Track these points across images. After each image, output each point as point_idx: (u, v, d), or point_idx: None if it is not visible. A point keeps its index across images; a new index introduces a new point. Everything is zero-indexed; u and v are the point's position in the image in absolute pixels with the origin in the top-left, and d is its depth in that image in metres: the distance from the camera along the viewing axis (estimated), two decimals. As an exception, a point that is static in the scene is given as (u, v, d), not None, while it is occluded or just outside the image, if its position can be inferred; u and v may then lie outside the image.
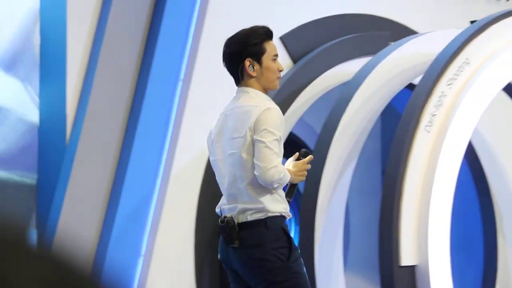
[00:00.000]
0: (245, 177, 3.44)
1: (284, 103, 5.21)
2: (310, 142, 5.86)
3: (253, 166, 3.41)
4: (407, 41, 5.17)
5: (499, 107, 5.76)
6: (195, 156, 5.10)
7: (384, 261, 4.57)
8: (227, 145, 3.51)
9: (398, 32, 5.51)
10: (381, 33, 5.48)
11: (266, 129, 3.39)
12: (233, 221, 3.45)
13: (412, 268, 4.54)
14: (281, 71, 3.60)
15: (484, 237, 6.13)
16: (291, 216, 3.56)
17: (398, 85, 5.13)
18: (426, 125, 4.57)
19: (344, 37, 5.38)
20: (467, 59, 4.70)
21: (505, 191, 6.12)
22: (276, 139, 3.39)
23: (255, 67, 3.54)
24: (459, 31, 4.87)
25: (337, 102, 5.04)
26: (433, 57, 4.78)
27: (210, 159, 3.63)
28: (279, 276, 3.42)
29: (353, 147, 4.96)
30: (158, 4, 5.13)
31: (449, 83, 4.65)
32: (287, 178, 3.42)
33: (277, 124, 3.42)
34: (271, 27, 5.29)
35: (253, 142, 3.41)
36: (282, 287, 3.43)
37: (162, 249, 4.98)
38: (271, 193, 3.44)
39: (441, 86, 4.63)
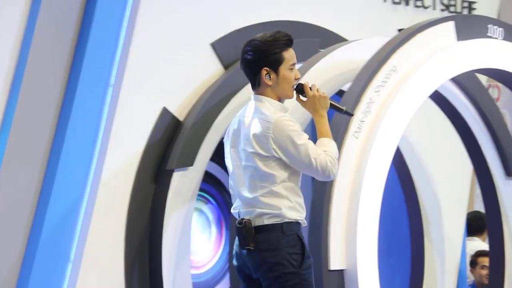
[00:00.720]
0: (266, 187, 3.53)
1: (215, 109, 5.22)
2: (241, 148, 5.88)
3: (273, 177, 3.51)
4: (336, 48, 5.23)
5: (426, 114, 5.86)
6: (125, 162, 5.07)
7: (313, 265, 4.61)
8: (243, 155, 3.60)
9: (328, 39, 5.57)
10: (311, 40, 5.53)
11: (287, 143, 3.47)
12: (251, 223, 3.53)
13: (340, 272, 4.59)
14: (298, 79, 3.63)
15: (411, 241, 6.23)
16: (306, 224, 3.63)
17: (328, 91, 5.17)
18: (355, 131, 4.63)
19: (275, 44, 5.40)
20: (394, 66, 4.78)
21: (431, 196, 6.24)
22: (298, 142, 3.46)
23: (271, 76, 3.58)
24: (387, 39, 4.95)
25: (268, 108, 5.06)
26: (362, 64, 4.84)
27: (226, 159, 3.71)
28: (290, 281, 3.50)
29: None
30: (88, 8, 5.09)
31: (377, 90, 4.72)
32: (330, 144, 3.53)
33: (288, 130, 3.48)
34: (202, 33, 5.35)
35: (277, 157, 3.50)
36: None
37: (91, 255, 4.93)
38: (290, 201, 3.53)
39: (369, 93, 4.70)
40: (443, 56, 4.91)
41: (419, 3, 6.23)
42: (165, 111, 5.17)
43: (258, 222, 3.54)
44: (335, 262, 4.57)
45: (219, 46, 5.34)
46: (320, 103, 3.60)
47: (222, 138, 5.37)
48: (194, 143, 5.16)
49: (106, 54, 5.08)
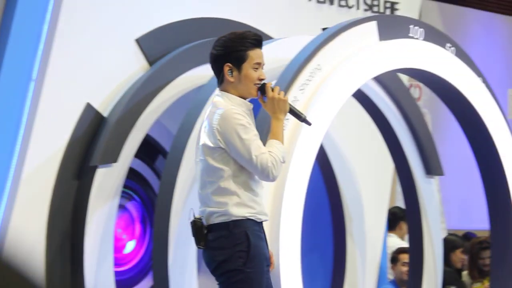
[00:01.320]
0: (213, 183, 3.54)
1: (140, 105, 5.19)
2: (166, 144, 5.86)
3: (220, 171, 3.52)
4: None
5: (350, 112, 5.94)
6: (47, 158, 5.00)
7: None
8: (197, 150, 3.62)
9: (253, 37, 5.58)
10: (236, 38, 5.54)
11: (230, 136, 3.48)
12: (201, 222, 3.56)
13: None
14: (262, 79, 3.62)
15: (333, 238, 6.29)
16: (264, 219, 3.61)
17: (252, 89, 5.20)
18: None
19: (200, 41, 5.41)
20: (318, 65, 4.83)
21: (354, 193, 6.32)
22: (243, 136, 3.47)
23: (234, 73, 3.59)
24: (312, 37, 4.99)
25: (193, 104, 5.06)
26: (287, 62, 4.87)
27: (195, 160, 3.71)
28: (233, 278, 3.52)
29: (208, 149, 4.99)
30: (9, 2, 5.01)
31: (301, 88, 4.76)
32: (278, 146, 3.52)
33: (234, 123, 3.48)
34: (127, 29, 5.32)
35: (222, 149, 3.51)
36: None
37: (11, 252, 4.85)
38: (238, 197, 3.53)
39: (294, 91, 4.73)
40: (365, 56, 4.98)
41: (343, 3, 6.29)
42: (88, 107, 5.11)
43: (209, 221, 3.57)
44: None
45: (144, 42, 5.31)
46: (279, 105, 3.61)
47: (147, 135, 5.38)
48: (119, 139, 5.12)
49: (28, 48, 5.01)
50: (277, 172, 3.52)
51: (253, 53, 3.59)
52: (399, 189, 7.65)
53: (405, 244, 7.35)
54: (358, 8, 6.36)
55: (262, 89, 3.63)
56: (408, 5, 6.59)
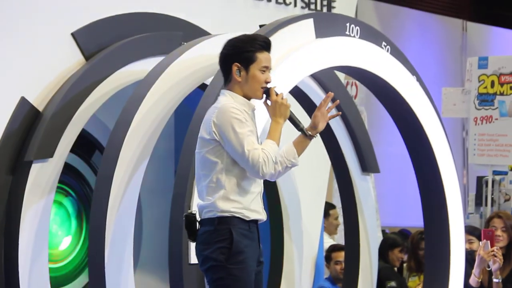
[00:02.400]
0: (206, 176, 3.61)
1: (76, 99, 5.14)
2: (103, 140, 5.82)
3: (213, 165, 3.59)
4: (199, 42, 5.25)
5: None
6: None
7: (173, 259, 4.63)
8: (197, 143, 3.69)
9: (191, 32, 5.58)
10: (174, 33, 5.53)
11: (226, 129, 3.54)
12: (194, 217, 3.65)
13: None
14: (268, 82, 3.68)
15: (271, 235, 6.32)
16: (254, 217, 3.65)
17: (190, 85, 5.20)
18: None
19: (138, 36, 5.38)
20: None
21: (291, 190, 6.35)
22: (238, 130, 3.53)
23: (241, 73, 3.66)
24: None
25: (130, 100, 5.04)
26: (224, 58, 4.87)
27: None
28: (216, 274, 3.59)
29: (146, 145, 4.98)
30: None
31: (239, 84, 4.76)
32: (272, 146, 3.57)
33: (231, 116, 3.55)
34: (62, 22, 5.26)
35: (217, 142, 3.58)
36: (217, 285, 3.60)
37: None
38: (226, 191, 3.59)
39: (231, 88, 4.73)
40: (302, 53, 5.01)
41: (280, 0, 6.33)
42: (23, 101, 5.05)
43: (200, 216, 3.66)
44: (195, 256, 4.58)
45: (80, 36, 5.26)
46: (280, 110, 3.68)
47: (83, 130, 5.33)
48: (54, 134, 5.06)
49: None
50: (267, 170, 3.56)
51: (261, 56, 3.68)
52: (335, 186, 7.74)
53: (332, 241, 7.43)
54: (295, 6, 6.40)
55: (267, 92, 3.70)
56: (345, 4, 6.66)
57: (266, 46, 3.71)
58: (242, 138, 3.55)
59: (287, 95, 5.17)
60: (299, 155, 3.71)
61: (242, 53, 3.68)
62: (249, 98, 3.71)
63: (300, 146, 3.74)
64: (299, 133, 3.77)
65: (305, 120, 5.99)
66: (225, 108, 3.59)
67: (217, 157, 3.61)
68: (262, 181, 3.75)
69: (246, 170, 3.61)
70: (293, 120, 3.79)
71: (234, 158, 3.60)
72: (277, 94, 3.71)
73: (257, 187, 3.71)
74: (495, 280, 5.46)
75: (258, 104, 3.80)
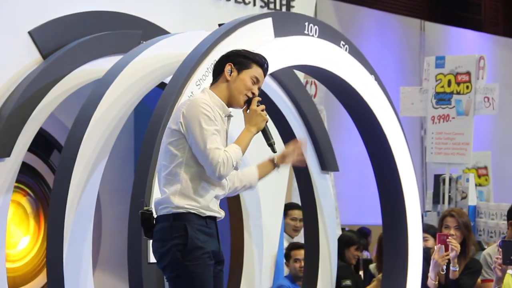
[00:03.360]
0: (165, 167, 3.61)
1: (34, 98, 5.10)
2: (61, 138, 5.79)
3: (173, 157, 3.58)
4: (158, 41, 5.24)
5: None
6: None
7: (133, 258, 4.61)
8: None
9: (150, 31, 5.57)
10: (132, 32, 5.51)
11: (193, 122, 3.54)
12: (150, 214, 3.64)
13: (159, 264, 4.61)
14: (252, 93, 3.71)
15: (231, 234, 6.33)
16: (211, 214, 3.64)
17: (149, 84, 5.20)
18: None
19: (96, 35, 5.36)
20: (215, 60, 4.81)
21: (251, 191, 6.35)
22: (203, 126, 3.53)
23: (232, 74, 3.71)
24: (208, 33, 5.01)
25: (88, 99, 5.01)
26: (183, 57, 4.87)
27: None
28: (174, 272, 3.58)
29: (105, 144, 4.96)
30: None
31: (198, 83, 4.76)
32: (236, 150, 3.58)
33: (199, 111, 3.55)
34: (19, 20, 5.21)
35: (181, 134, 3.58)
36: (175, 282, 3.59)
37: None
38: (182, 187, 3.58)
39: (191, 86, 4.73)
40: (261, 52, 4.95)
41: (240, -1, 6.35)
42: (-20, 100, 5.01)
43: (157, 213, 3.65)
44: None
45: (37, 35, 5.22)
46: (256, 120, 3.71)
47: (41, 129, 5.29)
48: (11, 133, 5.02)
49: None
50: (224, 171, 3.56)
51: (256, 68, 3.77)
52: (295, 184, 7.76)
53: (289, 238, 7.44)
54: (254, 5, 6.42)
55: (249, 101, 3.74)
56: (304, 3, 6.69)
57: (264, 66, 3.80)
58: (207, 135, 3.55)
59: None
60: (259, 179, 3.79)
61: (240, 57, 3.76)
62: (229, 103, 3.74)
63: (263, 170, 3.82)
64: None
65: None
66: (196, 102, 3.60)
67: (179, 150, 3.61)
68: (226, 188, 3.74)
69: (205, 168, 3.60)
70: (266, 133, 3.82)
71: (195, 153, 3.60)
72: (258, 106, 3.75)
73: (219, 191, 3.70)
74: (452, 268, 5.51)
75: (238, 114, 3.82)
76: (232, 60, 3.75)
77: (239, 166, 3.67)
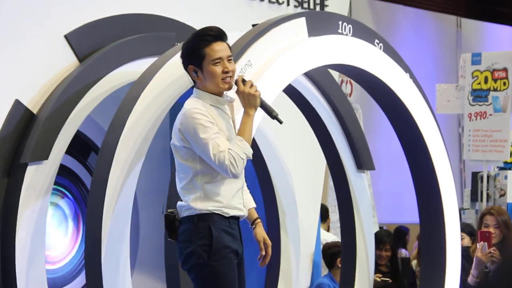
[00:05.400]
0: (182, 178, 3.67)
1: (71, 101, 5.15)
2: (98, 140, 5.83)
3: (188, 169, 3.63)
4: (192, 42, 5.25)
5: (281, 107, 5.97)
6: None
7: (170, 261, 4.64)
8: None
9: (184, 33, 5.56)
10: (167, 34, 5.54)
11: (191, 135, 3.58)
12: (174, 216, 3.67)
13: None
14: (227, 72, 3.66)
15: (267, 232, 6.31)
16: (234, 214, 3.67)
17: (184, 85, 5.19)
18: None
19: (131, 37, 5.39)
20: (249, 61, 4.86)
21: (287, 188, 6.37)
22: (201, 136, 3.55)
23: (198, 74, 3.68)
24: (242, 33, 5.02)
25: (124, 101, 5.05)
26: (218, 58, 4.88)
27: None
28: (200, 272, 3.61)
29: (141, 145, 4.99)
30: None
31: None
32: (239, 143, 3.57)
33: (193, 123, 3.57)
34: (55, 24, 5.26)
35: (188, 147, 3.62)
36: (201, 283, 3.62)
37: None
38: (203, 192, 3.62)
39: (226, 87, 4.74)
40: (295, 52, 5.01)
41: (273, -1, 6.35)
42: (17, 104, 5.06)
43: (180, 215, 3.68)
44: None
45: (73, 38, 5.27)
46: (249, 100, 3.67)
47: (78, 131, 5.34)
48: (49, 136, 5.07)
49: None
50: (236, 169, 3.57)
51: (209, 50, 3.66)
52: (331, 183, 7.75)
53: (332, 236, 7.44)
54: (288, 5, 6.41)
55: (236, 83, 3.71)
56: (338, 2, 6.67)
57: (213, 38, 3.68)
58: (207, 143, 3.57)
59: (280, 94, 5.19)
60: (248, 139, 3.66)
61: (191, 54, 3.68)
62: (218, 93, 3.71)
63: (247, 129, 3.67)
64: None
65: (298, 118, 6.06)
66: (188, 114, 3.62)
67: (191, 162, 3.65)
68: (242, 176, 3.75)
69: (218, 171, 3.63)
70: (266, 108, 3.76)
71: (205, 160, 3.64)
72: (244, 83, 3.69)
73: (237, 183, 3.71)
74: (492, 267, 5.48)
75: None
76: (189, 61, 3.71)
77: (250, 155, 3.65)
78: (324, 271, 6.91)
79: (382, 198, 10.77)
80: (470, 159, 7.85)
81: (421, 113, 5.70)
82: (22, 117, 5.08)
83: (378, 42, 5.55)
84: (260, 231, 3.90)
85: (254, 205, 3.95)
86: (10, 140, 5.04)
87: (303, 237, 6.41)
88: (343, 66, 5.37)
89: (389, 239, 7.25)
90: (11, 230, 4.98)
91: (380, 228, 8.44)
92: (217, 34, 3.69)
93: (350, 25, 5.42)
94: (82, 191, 6.10)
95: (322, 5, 6.60)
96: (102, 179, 4.89)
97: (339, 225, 6.49)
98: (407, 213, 9.39)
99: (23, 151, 5.01)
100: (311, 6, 6.52)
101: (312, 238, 6.62)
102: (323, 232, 7.33)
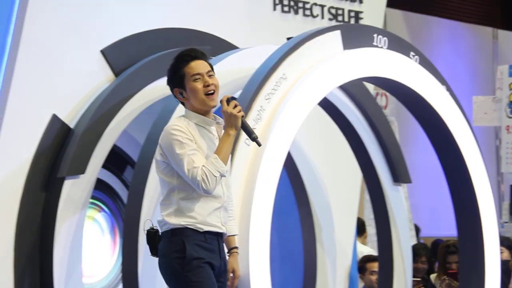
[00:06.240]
0: (163, 193, 3.76)
1: (107, 115, 5.19)
2: (134, 155, 5.87)
3: (166, 184, 3.73)
4: (227, 56, 5.28)
5: (317, 121, 5.97)
6: (14, 171, 4.99)
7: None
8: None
9: (219, 46, 5.61)
10: (202, 48, 5.55)
11: (169, 151, 3.67)
12: (154, 232, 3.77)
13: (233, 278, 4.61)
14: (208, 85, 3.74)
15: (303, 247, 6.32)
16: (209, 230, 3.73)
17: (219, 98, 5.22)
18: (246, 138, 4.67)
19: (166, 51, 5.42)
20: (284, 74, 4.86)
21: (322, 202, 6.35)
22: (177, 152, 3.63)
23: (183, 94, 3.78)
24: (277, 47, 5.02)
25: (160, 115, 5.07)
26: (252, 72, 4.90)
27: None
28: (177, 284, 3.69)
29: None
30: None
31: (267, 97, 4.78)
32: (214, 161, 3.63)
33: (171, 139, 3.66)
34: (92, 40, 5.31)
35: (167, 162, 3.71)
36: None
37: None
38: (178, 207, 3.70)
39: (260, 101, 4.76)
40: (330, 65, 5.01)
41: (307, 12, 6.33)
42: (54, 118, 5.11)
43: (160, 230, 3.77)
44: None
45: (109, 53, 5.31)
46: (230, 120, 3.72)
47: (114, 145, 5.37)
48: (86, 150, 5.11)
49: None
50: (208, 186, 3.64)
51: (188, 68, 3.76)
52: (367, 197, 7.71)
53: (368, 249, 7.40)
54: (322, 18, 6.40)
55: (228, 100, 3.76)
56: (373, 14, 6.64)
57: (189, 58, 3.78)
58: (182, 158, 3.64)
59: (315, 107, 5.18)
60: (224, 158, 3.69)
61: (173, 76, 3.79)
62: (205, 111, 3.78)
63: (225, 148, 3.70)
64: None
65: (333, 131, 6.05)
66: (167, 130, 3.71)
67: (169, 177, 3.73)
68: (222, 197, 3.79)
69: (193, 187, 3.69)
70: (246, 129, 3.80)
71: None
72: (228, 103, 3.74)
73: (214, 203, 3.76)
74: None
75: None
76: (173, 84, 3.80)
77: (225, 173, 3.71)
78: (361, 284, 6.88)
79: (419, 211, 10.70)
80: (508, 172, 7.77)
81: (458, 126, 5.65)
82: (59, 131, 5.13)
83: (413, 54, 5.53)
84: (232, 261, 3.96)
85: (235, 233, 4.01)
86: (47, 155, 5.09)
87: (339, 251, 6.38)
88: (379, 79, 5.35)
89: (425, 251, 7.20)
90: (49, 243, 5.02)
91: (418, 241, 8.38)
92: (195, 55, 3.80)
93: (385, 38, 5.40)
94: (119, 204, 6.14)
95: (357, 18, 6.58)
96: (138, 192, 4.91)
97: (376, 238, 6.46)
98: (445, 226, 9.32)
99: (60, 165, 5.06)
100: (346, 19, 6.51)
101: (349, 251, 6.58)
102: (359, 245, 7.30)
